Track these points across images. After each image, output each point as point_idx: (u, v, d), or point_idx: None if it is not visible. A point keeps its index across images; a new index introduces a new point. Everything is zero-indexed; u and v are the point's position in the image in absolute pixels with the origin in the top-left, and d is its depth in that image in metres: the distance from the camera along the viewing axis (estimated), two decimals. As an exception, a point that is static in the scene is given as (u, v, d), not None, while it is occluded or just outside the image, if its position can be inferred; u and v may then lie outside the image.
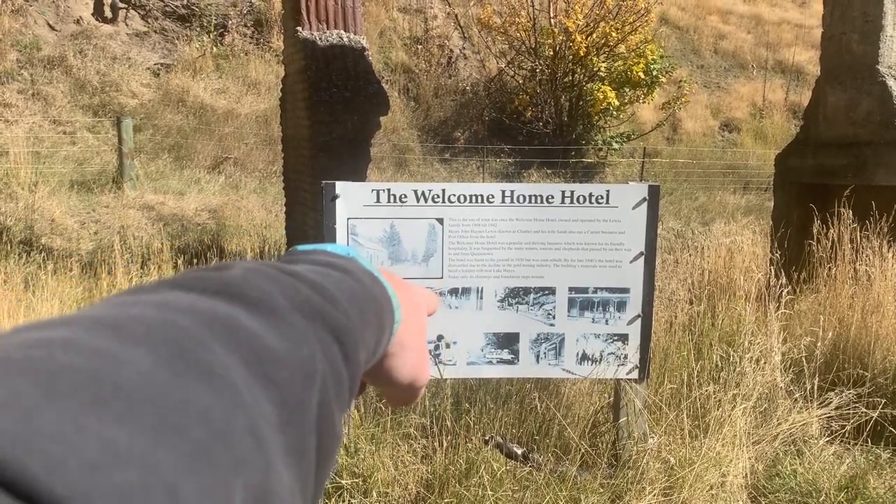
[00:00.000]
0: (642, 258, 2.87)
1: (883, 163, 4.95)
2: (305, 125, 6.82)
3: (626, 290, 2.89)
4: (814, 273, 4.71)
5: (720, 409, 3.16)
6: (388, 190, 2.86)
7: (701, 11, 20.64)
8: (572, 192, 2.83)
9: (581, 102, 13.72)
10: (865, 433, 3.37)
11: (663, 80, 13.84)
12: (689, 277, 5.50)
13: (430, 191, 2.80)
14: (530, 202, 2.82)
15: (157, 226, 8.73)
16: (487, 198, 2.81)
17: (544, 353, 2.93)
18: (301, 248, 0.55)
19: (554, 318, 2.90)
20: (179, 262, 5.88)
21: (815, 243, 4.72)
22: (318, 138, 6.75)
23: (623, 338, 2.92)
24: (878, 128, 4.98)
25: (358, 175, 6.84)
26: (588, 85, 13.59)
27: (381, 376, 0.56)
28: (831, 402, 3.32)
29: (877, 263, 4.17)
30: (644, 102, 14.14)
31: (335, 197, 2.87)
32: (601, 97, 13.11)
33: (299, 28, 6.77)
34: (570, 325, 2.91)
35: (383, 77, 15.03)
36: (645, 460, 2.91)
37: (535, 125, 13.87)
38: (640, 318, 2.90)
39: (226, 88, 13.31)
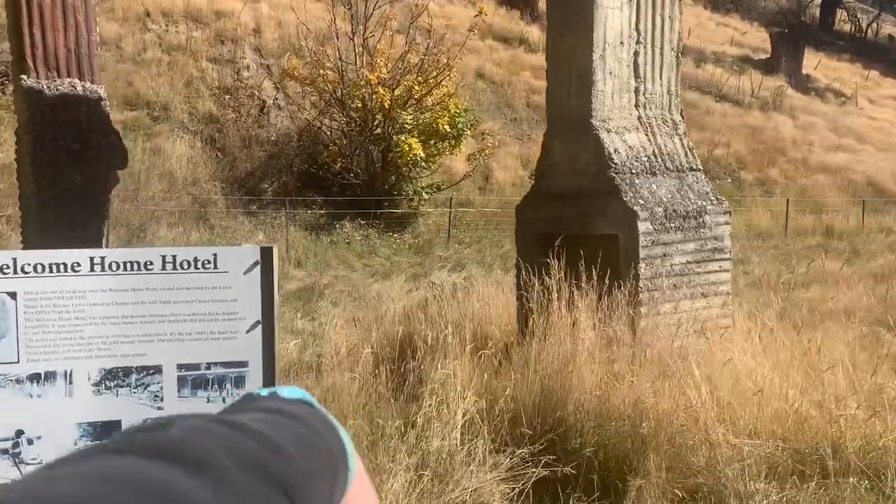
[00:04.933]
0: (259, 327, 2.61)
1: (602, 212, 5.09)
2: (30, 181, 6.22)
3: (243, 364, 2.62)
4: (540, 325, 4.70)
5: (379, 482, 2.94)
6: (-54, 262, 2.45)
7: (515, 67, 21.56)
8: (174, 257, 2.55)
9: (390, 154, 13.74)
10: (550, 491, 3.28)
11: (468, 132, 14.15)
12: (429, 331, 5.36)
13: (-2, 261, 2.42)
14: (126, 270, 2.50)
15: None
16: (73, 266, 2.47)
17: (153, 440, 2.59)
18: (255, 392, 0.54)
19: (162, 400, 2.58)
20: None
21: (533, 295, 4.72)
22: (42, 195, 6.17)
23: (245, 417, 2.64)
24: (596, 178, 5.12)
25: (91, 233, 6.28)
26: (396, 137, 13.64)
27: None
28: (503, 464, 3.19)
29: (582, 313, 4.19)
30: (452, 154, 14.38)
31: None
32: (407, 149, 13.18)
33: (24, 77, 6.20)
34: (182, 407, 2.59)
35: (187, 128, 14.43)
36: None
37: (346, 176, 13.71)
38: (261, 394, 2.63)
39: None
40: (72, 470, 0.34)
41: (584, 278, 4.65)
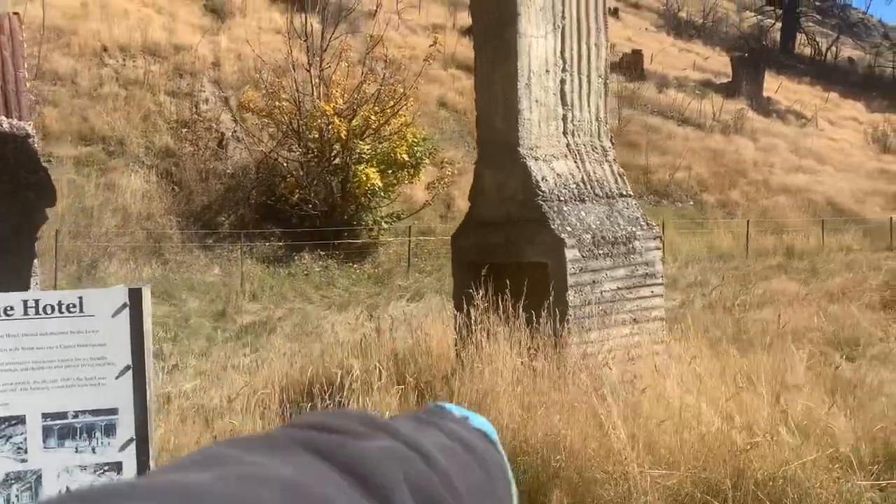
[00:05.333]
0: (130, 372, 2.51)
1: (530, 240, 5.05)
2: (-47, 221, 6.04)
3: (113, 412, 2.50)
4: (469, 356, 4.62)
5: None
6: None
7: (478, 94, 21.66)
8: (37, 302, 2.44)
9: (349, 184, 13.68)
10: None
11: (427, 161, 14.16)
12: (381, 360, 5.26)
13: None
14: (-16, 316, 2.39)
15: None
16: (-74, 314, 2.36)
17: (17, 495, 2.46)
18: (446, 407, 0.54)
19: (26, 452, 2.45)
20: None
21: (465, 325, 4.65)
22: (-36, 236, 6.00)
23: (116, 466, 2.52)
24: (523, 206, 5.09)
25: (20, 274, 6.12)
26: (354, 167, 13.59)
27: None
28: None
29: (500, 345, 4.12)
30: (412, 183, 14.36)
31: None
32: (365, 178, 13.14)
33: (-53, 114, 6.06)
34: (48, 459, 2.47)
35: (143, 162, 14.28)
36: None
37: (304, 207, 13.62)
38: (134, 442, 2.52)
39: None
40: (273, 463, 0.35)
41: (510, 307, 4.59)
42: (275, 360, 5.26)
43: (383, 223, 14.00)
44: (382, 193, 13.89)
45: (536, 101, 5.13)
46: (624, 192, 5.41)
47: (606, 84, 5.51)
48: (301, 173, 13.72)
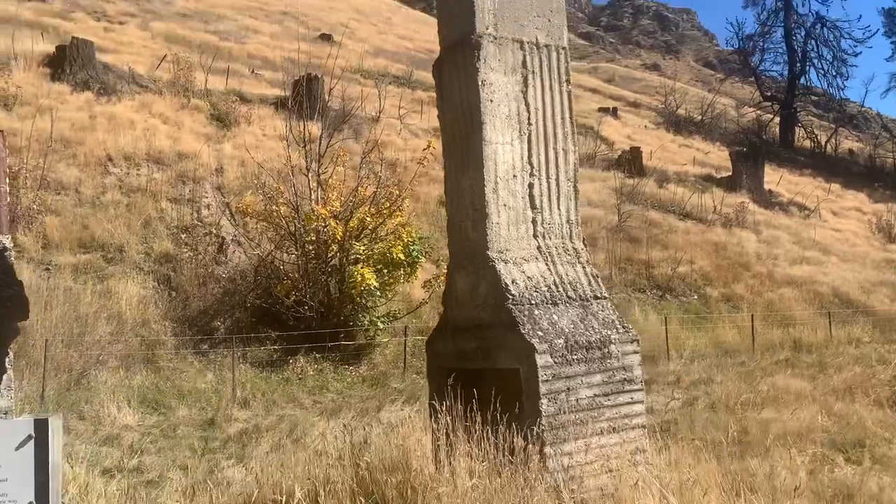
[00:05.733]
0: (32, 509, 2.35)
1: (501, 345, 4.91)
2: (-76, 336, 5.99)
3: (12, 552, 2.33)
4: (443, 468, 4.40)
5: None
6: None
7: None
8: (-64, 435, 2.32)
9: (344, 285, 13.66)
10: None
11: (423, 259, 14.17)
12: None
13: None
14: None
15: None
16: None
17: None
18: None
19: None
20: None
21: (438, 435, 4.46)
22: (-67, 350, 5.93)
23: None
24: (495, 310, 4.98)
25: (-14, 389, 6.01)
26: (350, 268, 13.61)
27: None
28: None
29: (460, 461, 3.92)
30: (408, 282, 14.33)
31: None
32: (360, 279, 13.13)
33: (-77, 229, 6.11)
34: None
35: (141, 268, 14.36)
36: None
37: (299, 309, 13.55)
38: (33, 586, 2.34)
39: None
40: None
41: (481, 417, 4.41)
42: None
43: (379, 323, 13.88)
44: (379, 293, 13.84)
45: (504, 204, 5.12)
46: (598, 295, 5.30)
47: (576, 187, 5.50)
48: (297, 275, 13.73)
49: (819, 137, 50.48)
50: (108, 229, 14.89)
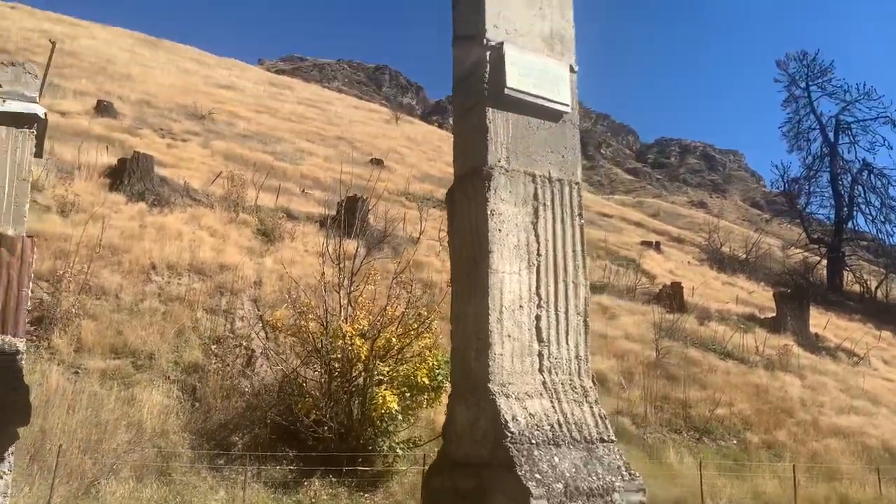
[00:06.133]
0: None
1: (499, 487, 4.66)
2: (-75, 435, 6.03)
3: None
4: None
5: None
6: None
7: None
8: None
9: (366, 407, 13.42)
10: None
11: (447, 383, 13.89)
12: None
13: None
14: None
15: None
16: None
17: None
18: None
19: None
20: None
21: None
22: (-68, 450, 5.93)
23: None
24: (494, 448, 4.77)
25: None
26: (373, 389, 13.41)
27: None
28: None
29: None
30: (430, 407, 14.02)
31: None
32: (381, 401, 12.90)
33: (-54, 329, 6.29)
34: None
35: (168, 376, 14.39)
36: None
37: (318, 430, 13.28)
38: None
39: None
40: None
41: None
42: None
43: (398, 449, 13.49)
44: (401, 417, 13.53)
45: (509, 335, 5.01)
46: (605, 437, 5.06)
47: (587, 322, 5.38)
48: (319, 393, 13.57)
49: (869, 282, 49.38)
50: (141, 336, 15.08)
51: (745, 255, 46.95)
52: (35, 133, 6.77)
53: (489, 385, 4.88)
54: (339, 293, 14.68)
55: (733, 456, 17.97)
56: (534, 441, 4.75)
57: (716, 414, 19.32)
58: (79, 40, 48.96)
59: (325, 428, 13.31)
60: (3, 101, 6.48)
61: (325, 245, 15.57)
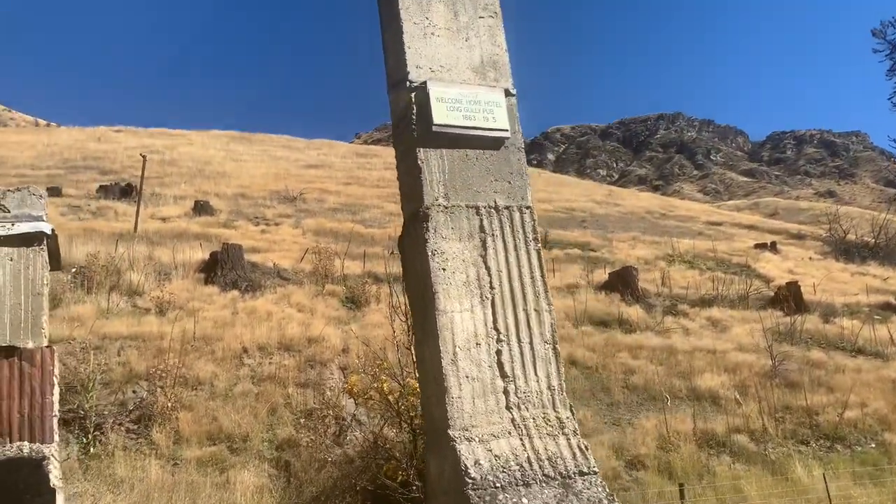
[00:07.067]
0: None
1: (465, 538, 4.40)
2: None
3: None
4: None
5: None
6: None
7: (610, 349, 21.07)
8: None
9: (451, 461, 13.19)
10: None
11: (530, 428, 13.47)
12: None
13: None
14: None
15: None
16: None
17: None
18: None
19: None
20: None
21: None
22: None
23: None
24: (456, 497, 4.51)
25: None
26: (455, 442, 13.18)
27: None
28: None
29: None
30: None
31: None
32: (462, 454, 12.63)
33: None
34: None
35: (263, 455, 14.77)
36: None
37: (406, 491, 13.15)
38: None
39: None
40: None
41: None
42: None
43: (489, 501, 13.10)
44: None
45: (467, 376, 4.79)
46: (584, 470, 4.69)
47: (556, 349, 5.07)
48: (400, 454, 13.48)
49: None
50: (235, 420, 15.62)
51: (874, 240, 43.38)
52: (45, 249, 7.19)
53: (449, 431, 4.67)
54: (410, 350, 14.66)
55: (872, 461, 16.29)
56: (499, 484, 4.47)
57: (845, 417, 17.66)
58: (177, 149, 52.84)
59: (413, 488, 13.16)
60: (13, 225, 6.96)
61: (391, 299, 15.62)
